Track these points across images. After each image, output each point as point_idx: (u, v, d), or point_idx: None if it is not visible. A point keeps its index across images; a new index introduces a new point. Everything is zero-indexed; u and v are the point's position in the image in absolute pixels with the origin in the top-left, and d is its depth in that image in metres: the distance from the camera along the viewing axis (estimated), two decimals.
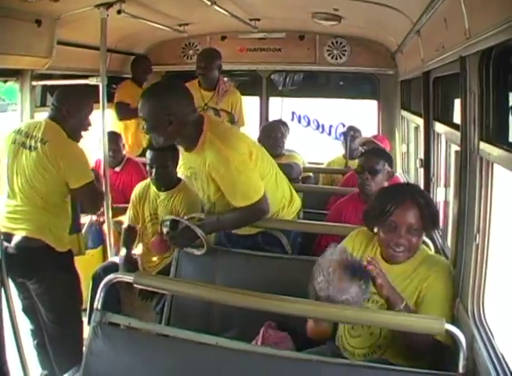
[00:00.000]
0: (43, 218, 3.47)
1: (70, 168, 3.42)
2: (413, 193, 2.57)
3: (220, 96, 5.13)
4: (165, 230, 3.44)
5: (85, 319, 3.83)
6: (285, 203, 3.44)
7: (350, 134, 5.65)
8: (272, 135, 4.92)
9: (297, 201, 3.57)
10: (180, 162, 3.72)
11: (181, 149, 3.40)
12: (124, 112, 5.76)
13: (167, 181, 3.90)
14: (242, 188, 3.16)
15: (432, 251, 2.87)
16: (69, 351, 3.51)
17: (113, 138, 5.01)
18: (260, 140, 4.87)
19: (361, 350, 2.60)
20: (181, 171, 3.77)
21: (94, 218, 4.82)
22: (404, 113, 5.65)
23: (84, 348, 2.67)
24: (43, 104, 4.90)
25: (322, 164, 6.18)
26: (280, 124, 5.19)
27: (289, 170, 4.65)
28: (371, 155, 3.98)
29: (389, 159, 4.01)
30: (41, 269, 3.46)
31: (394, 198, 2.55)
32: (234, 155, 3.11)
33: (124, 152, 5.29)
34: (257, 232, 3.49)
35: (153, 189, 3.99)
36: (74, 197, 3.60)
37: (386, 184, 3.80)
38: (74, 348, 3.52)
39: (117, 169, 5.17)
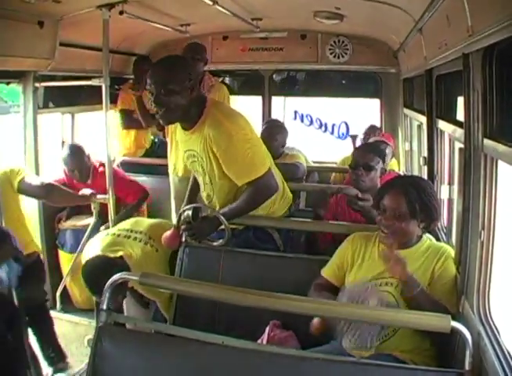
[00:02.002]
0: None
1: None
2: (404, 183, 2.78)
3: (205, 91, 5.07)
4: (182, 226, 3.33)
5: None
6: (278, 196, 3.40)
7: (372, 133, 5.53)
8: (270, 136, 4.87)
9: (289, 195, 3.57)
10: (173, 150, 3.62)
11: (179, 133, 3.34)
12: (128, 121, 5.78)
13: None
14: (246, 160, 3.10)
15: None
16: None
17: (75, 154, 4.88)
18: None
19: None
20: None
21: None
22: (407, 111, 5.64)
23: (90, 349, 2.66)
24: (46, 106, 4.91)
25: (325, 162, 6.19)
26: (274, 127, 5.09)
27: (295, 170, 4.65)
28: (366, 151, 3.93)
29: (383, 155, 4.00)
30: None
31: (389, 185, 2.82)
32: (236, 129, 3.08)
33: (89, 163, 4.97)
34: (248, 227, 3.46)
35: None
36: None
37: (379, 180, 3.82)
38: None
39: (89, 182, 4.96)
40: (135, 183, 5.22)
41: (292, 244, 3.59)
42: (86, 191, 4.50)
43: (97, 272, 3.25)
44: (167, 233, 3.46)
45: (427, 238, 2.81)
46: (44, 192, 3.94)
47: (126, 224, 3.87)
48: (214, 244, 3.36)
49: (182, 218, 3.37)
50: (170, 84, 2.97)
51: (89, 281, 3.30)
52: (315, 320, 2.71)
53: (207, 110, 3.11)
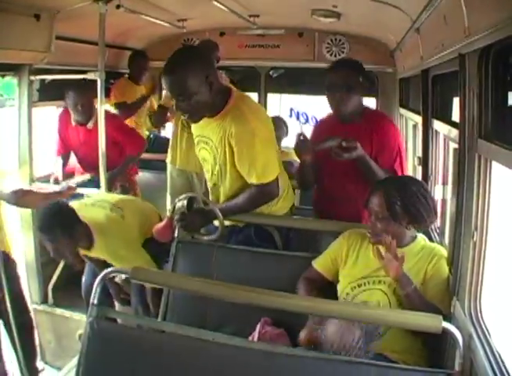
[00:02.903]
0: None
1: None
2: (387, 185, 2.75)
3: None
4: (176, 216, 3.27)
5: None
6: (283, 194, 3.38)
7: None
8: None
9: (292, 196, 3.55)
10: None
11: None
12: (124, 111, 5.74)
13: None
14: (261, 164, 3.08)
15: None
16: None
17: (80, 90, 4.67)
18: None
19: None
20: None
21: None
22: (402, 110, 5.64)
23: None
24: (41, 99, 4.90)
25: None
26: (282, 122, 5.19)
27: (288, 167, 4.66)
28: (347, 68, 3.36)
29: (365, 72, 3.42)
30: None
31: (373, 187, 2.79)
32: (261, 129, 3.06)
33: (94, 104, 4.65)
34: (249, 225, 3.43)
35: None
36: None
37: (363, 102, 3.45)
38: None
39: (90, 125, 4.77)
40: (135, 132, 5.21)
41: (292, 246, 3.57)
42: (58, 187, 4.25)
43: (49, 212, 3.31)
44: (160, 224, 3.42)
45: (422, 238, 2.81)
46: (13, 199, 3.70)
47: (95, 195, 3.93)
48: (205, 238, 3.34)
49: (176, 207, 3.33)
50: (187, 90, 2.91)
51: (40, 222, 3.36)
52: (302, 337, 2.70)
53: (232, 101, 3.06)
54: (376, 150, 3.31)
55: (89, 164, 4.75)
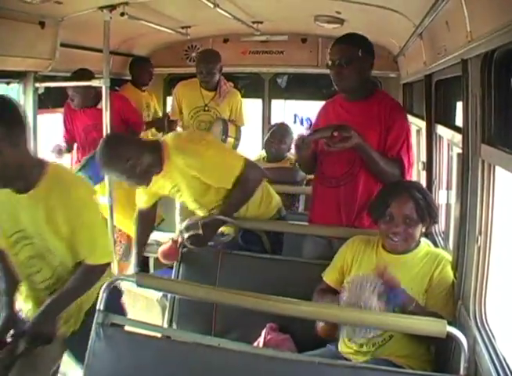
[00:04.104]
0: None
1: None
2: (409, 188, 2.73)
3: (222, 97, 5.15)
4: (186, 235, 3.34)
5: None
6: (262, 200, 3.55)
7: None
8: (281, 139, 4.95)
9: (276, 199, 3.68)
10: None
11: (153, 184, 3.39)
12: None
13: None
14: (223, 166, 3.29)
15: None
16: None
17: (78, 79, 4.63)
18: (267, 141, 4.91)
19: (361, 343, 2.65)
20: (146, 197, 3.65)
21: None
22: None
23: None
24: (46, 106, 4.92)
25: None
26: (288, 130, 5.19)
27: (294, 174, 4.70)
28: (344, 43, 3.30)
29: (367, 45, 3.36)
30: None
31: (392, 192, 2.74)
32: (199, 144, 3.26)
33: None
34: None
35: None
36: None
37: (364, 75, 3.31)
38: None
39: (100, 106, 4.63)
40: (137, 112, 5.43)
41: (280, 247, 3.60)
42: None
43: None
44: (165, 247, 3.48)
45: (426, 243, 2.80)
46: None
47: None
48: (221, 239, 3.49)
49: (186, 233, 3.37)
50: (121, 175, 3.18)
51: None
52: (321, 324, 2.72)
53: (165, 150, 3.23)
54: (384, 128, 3.24)
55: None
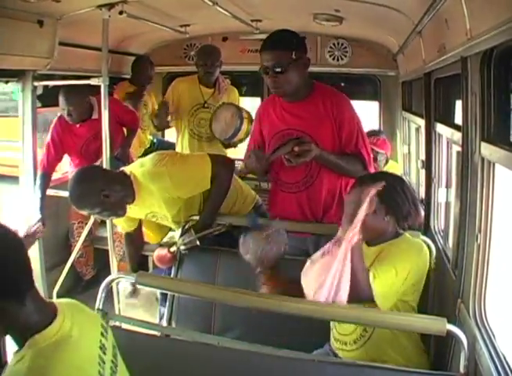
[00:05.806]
0: None
1: None
2: (365, 181, 2.51)
3: (221, 94, 5.15)
4: (183, 247, 3.39)
5: None
6: (237, 197, 3.66)
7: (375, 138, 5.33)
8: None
9: (251, 195, 3.81)
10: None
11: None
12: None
13: None
14: (193, 174, 3.35)
15: (433, 251, 2.89)
16: None
17: (67, 95, 4.61)
18: None
19: (349, 336, 2.61)
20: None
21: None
22: (405, 114, 5.64)
23: None
24: (44, 105, 4.91)
25: None
26: None
27: None
28: (276, 48, 3.12)
29: (299, 43, 3.18)
30: None
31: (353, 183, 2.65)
32: (162, 165, 3.30)
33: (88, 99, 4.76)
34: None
35: None
36: None
37: (302, 76, 3.17)
38: None
39: (95, 116, 4.76)
40: (131, 110, 5.38)
41: None
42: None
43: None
44: (161, 253, 3.49)
45: (406, 238, 2.60)
46: None
47: None
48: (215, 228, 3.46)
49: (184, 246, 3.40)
50: (96, 209, 3.20)
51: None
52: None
53: (134, 180, 3.28)
54: (336, 125, 3.15)
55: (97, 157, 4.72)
